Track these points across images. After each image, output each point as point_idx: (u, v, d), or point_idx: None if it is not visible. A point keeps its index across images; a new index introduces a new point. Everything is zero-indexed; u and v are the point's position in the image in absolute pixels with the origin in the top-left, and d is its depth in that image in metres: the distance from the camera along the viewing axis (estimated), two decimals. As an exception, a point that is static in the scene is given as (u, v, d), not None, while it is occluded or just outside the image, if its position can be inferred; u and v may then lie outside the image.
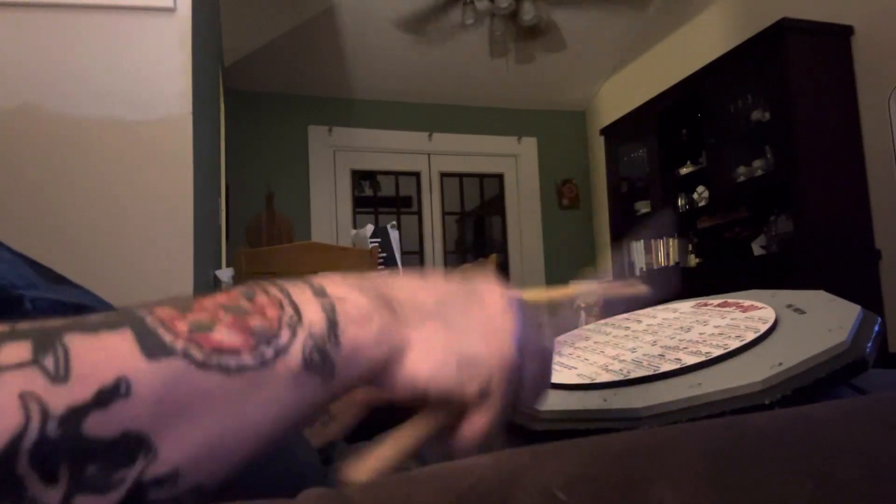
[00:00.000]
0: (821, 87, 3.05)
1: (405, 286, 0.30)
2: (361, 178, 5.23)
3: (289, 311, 0.25)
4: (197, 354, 0.22)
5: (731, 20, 3.88)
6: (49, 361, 0.19)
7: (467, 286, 0.32)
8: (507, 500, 0.20)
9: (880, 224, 2.98)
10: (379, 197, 5.33)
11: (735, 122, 3.50)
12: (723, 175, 3.56)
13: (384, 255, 2.34)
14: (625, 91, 4.95)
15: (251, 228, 4.66)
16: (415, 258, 5.17)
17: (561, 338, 0.64)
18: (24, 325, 0.21)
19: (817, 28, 3.10)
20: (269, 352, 0.24)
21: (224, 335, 0.23)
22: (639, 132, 4.37)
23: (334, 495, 0.21)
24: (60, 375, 0.19)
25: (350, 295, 0.27)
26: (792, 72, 3.02)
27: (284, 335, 0.24)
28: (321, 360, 0.25)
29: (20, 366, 0.19)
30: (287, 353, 0.24)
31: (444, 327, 0.29)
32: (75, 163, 1.59)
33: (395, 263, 2.38)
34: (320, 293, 0.27)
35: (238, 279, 1.91)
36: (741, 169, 3.46)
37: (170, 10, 1.67)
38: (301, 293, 0.26)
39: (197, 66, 1.78)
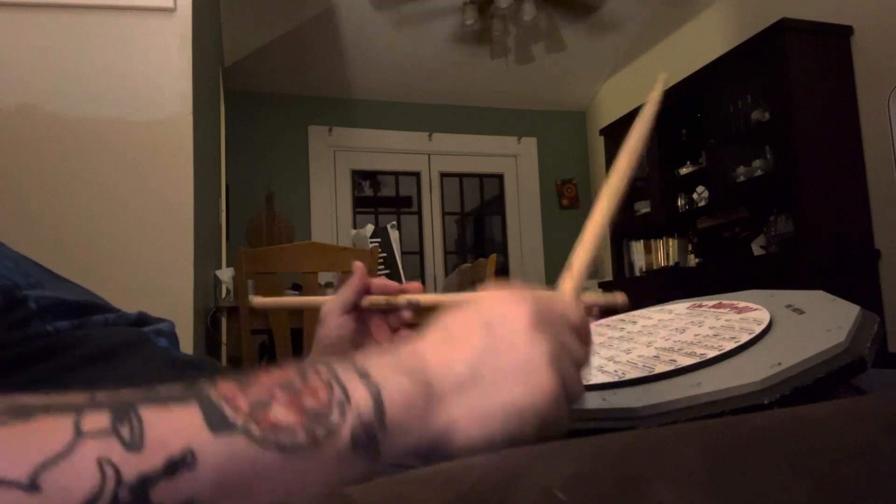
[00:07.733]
0: (820, 87, 3.05)
1: (436, 350, 0.32)
2: (362, 178, 5.23)
3: (338, 392, 0.26)
4: (256, 431, 0.23)
5: (731, 20, 3.88)
6: (125, 431, 0.21)
7: (488, 318, 0.33)
8: (507, 500, 0.21)
9: (880, 224, 2.98)
10: (379, 197, 5.33)
11: (735, 122, 3.49)
12: (723, 175, 3.56)
13: (384, 255, 2.34)
14: (625, 91, 4.95)
15: (251, 228, 4.66)
16: (415, 258, 5.17)
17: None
18: (101, 396, 0.22)
19: (817, 28, 3.10)
20: (320, 431, 0.25)
21: (280, 413, 0.24)
22: (639, 132, 4.36)
23: (334, 495, 0.21)
24: (135, 444, 0.21)
25: (393, 378, 0.28)
26: (792, 72, 3.01)
27: (335, 416, 0.25)
28: (368, 441, 0.26)
29: (100, 433, 0.20)
30: (337, 434, 0.25)
31: (483, 388, 0.30)
32: (75, 163, 1.59)
33: (395, 263, 2.38)
34: (364, 375, 0.28)
35: (238, 279, 1.91)
36: (741, 169, 3.46)
37: (170, 11, 1.66)
38: (347, 375, 0.27)
39: (197, 66, 1.77)
